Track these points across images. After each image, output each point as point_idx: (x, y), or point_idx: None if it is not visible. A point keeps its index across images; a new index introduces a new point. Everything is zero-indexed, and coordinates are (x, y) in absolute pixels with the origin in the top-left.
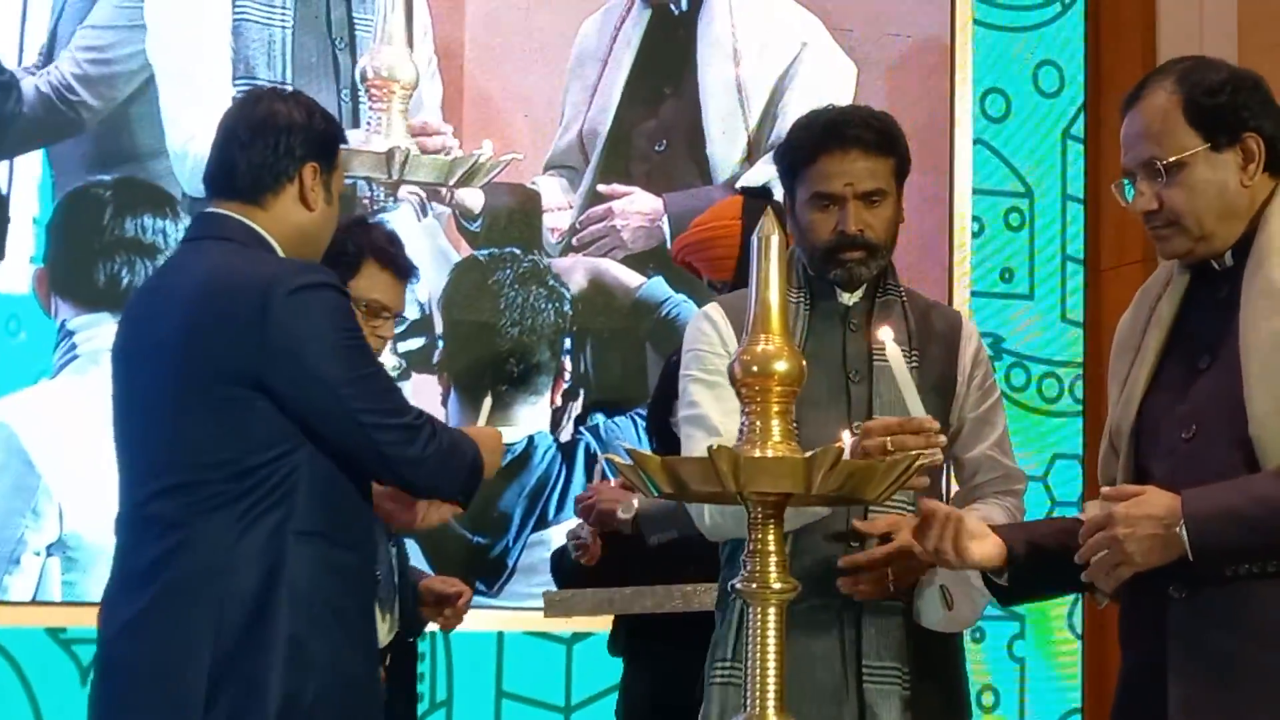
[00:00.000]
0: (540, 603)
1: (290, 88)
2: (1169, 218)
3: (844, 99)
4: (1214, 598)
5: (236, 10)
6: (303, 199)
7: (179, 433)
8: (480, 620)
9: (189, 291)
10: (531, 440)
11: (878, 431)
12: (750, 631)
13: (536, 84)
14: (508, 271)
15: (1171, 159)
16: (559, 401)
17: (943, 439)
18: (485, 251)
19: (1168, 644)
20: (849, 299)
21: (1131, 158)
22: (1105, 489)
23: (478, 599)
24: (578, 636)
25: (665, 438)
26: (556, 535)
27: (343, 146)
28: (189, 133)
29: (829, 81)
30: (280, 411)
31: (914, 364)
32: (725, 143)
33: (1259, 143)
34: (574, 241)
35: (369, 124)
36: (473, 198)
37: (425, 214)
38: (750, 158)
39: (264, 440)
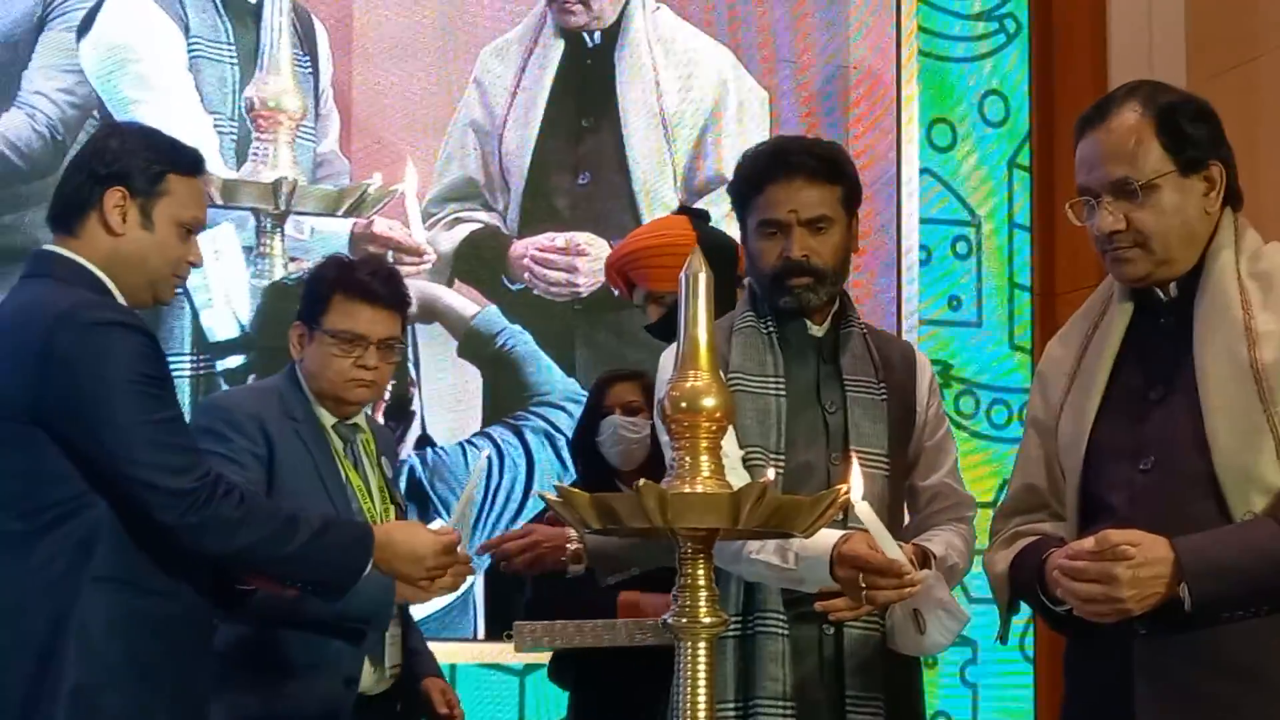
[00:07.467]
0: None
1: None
2: (1135, 239)
3: (764, 130)
4: (1178, 633)
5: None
6: (104, 223)
7: None
8: None
9: None
10: None
11: (854, 565)
12: (680, 666)
13: (428, 117)
14: None
15: (1145, 180)
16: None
17: (915, 588)
18: (295, 277)
19: (1134, 678)
20: (818, 331)
21: (1097, 177)
22: (1101, 535)
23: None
24: (530, 668)
25: (590, 458)
26: None
27: (225, 178)
28: None
29: (752, 113)
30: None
31: (882, 397)
32: (652, 175)
33: (1221, 172)
34: (525, 276)
35: (255, 154)
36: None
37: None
38: (680, 190)
39: (53, 477)
